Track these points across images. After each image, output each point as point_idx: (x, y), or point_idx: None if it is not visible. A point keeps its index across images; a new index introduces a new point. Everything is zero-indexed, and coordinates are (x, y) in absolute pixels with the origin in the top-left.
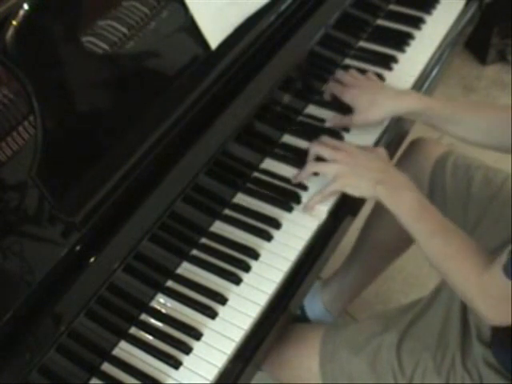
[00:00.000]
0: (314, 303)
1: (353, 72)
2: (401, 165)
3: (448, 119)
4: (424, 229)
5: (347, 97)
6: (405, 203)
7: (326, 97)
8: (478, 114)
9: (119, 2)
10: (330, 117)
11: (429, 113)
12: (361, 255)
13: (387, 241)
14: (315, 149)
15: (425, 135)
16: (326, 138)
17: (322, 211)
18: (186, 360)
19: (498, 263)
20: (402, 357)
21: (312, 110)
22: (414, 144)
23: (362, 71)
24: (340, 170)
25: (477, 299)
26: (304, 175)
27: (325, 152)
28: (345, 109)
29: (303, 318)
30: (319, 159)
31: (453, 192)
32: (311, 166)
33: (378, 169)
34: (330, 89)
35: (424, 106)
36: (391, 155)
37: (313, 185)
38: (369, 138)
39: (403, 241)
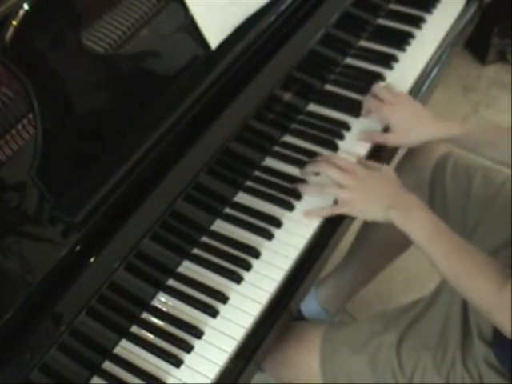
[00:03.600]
0: (310, 302)
1: (390, 87)
2: (401, 166)
3: (486, 143)
4: (439, 249)
5: (384, 114)
6: (418, 225)
7: (364, 113)
8: None
9: (119, 2)
10: (330, 115)
11: (467, 138)
12: (360, 253)
13: (387, 239)
14: (321, 169)
15: None
16: (334, 158)
17: None
18: (187, 358)
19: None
20: (401, 356)
21: (313, 108)
22: None
23: (363, 70)
24: (349, 198)
25: (497, 315)
26: (308, 191)
27: (332, 174)
28: (346, 108)
29: (300, 318)
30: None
31: (453, 193)
32: (320, 187)
33: (388, 193)
34: (367, 103)
35: (464, 132)
36: (391, 156)
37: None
38: None
39: (403, 239)
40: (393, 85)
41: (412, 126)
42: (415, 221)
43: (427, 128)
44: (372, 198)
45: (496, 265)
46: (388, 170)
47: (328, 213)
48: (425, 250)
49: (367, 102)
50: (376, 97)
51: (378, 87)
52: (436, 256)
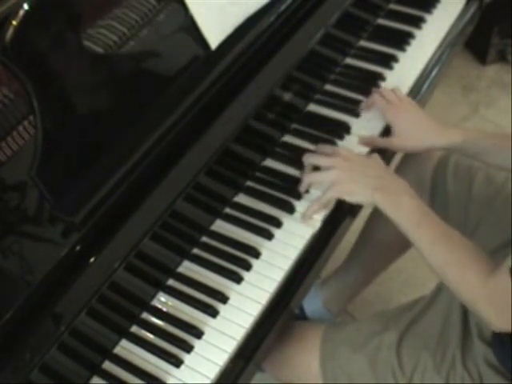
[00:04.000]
0: (313, 302)
1: (397, 91)
2: (403, 165)
3: (488, 150)
4: (425, 236)
5: (390, 116)
6: (404, 210)
7: (364, 107)
8: None
9: (119, 2)
10: (330, 115)
11: (469, 146)
12: (362, 254)
13: (388, 240)
14: (310, 160)
15: None
16: (320, 146)
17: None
18: (187, 358)
19: (504, 268)
20: (401, 356)
21: (313, 108)
22: None
23: (363, 70)
24: (336, 177)
25: (482, 305)
26: (303, 187)
27: (319, 161)
28: (346, 108)
29: (302, 317)
30: (316, 168)
31: (454, 192)
32: (308, 177)
33: (375, 175)
34: (373, 101)
35: (465, 140)
36: (392, 155)
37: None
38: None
39: (405, 240)
40: (393, 85)
41: (414, 133)
42: (401, 206)
43: (430, 137)
44: (359, 179)
45: (483, 255)
46: (376, 156)
47: (319, 204)
48: (410, 236)
49: (374, 99)
50: (383, 96)
51: (385, 89)
52: (421, 243)
